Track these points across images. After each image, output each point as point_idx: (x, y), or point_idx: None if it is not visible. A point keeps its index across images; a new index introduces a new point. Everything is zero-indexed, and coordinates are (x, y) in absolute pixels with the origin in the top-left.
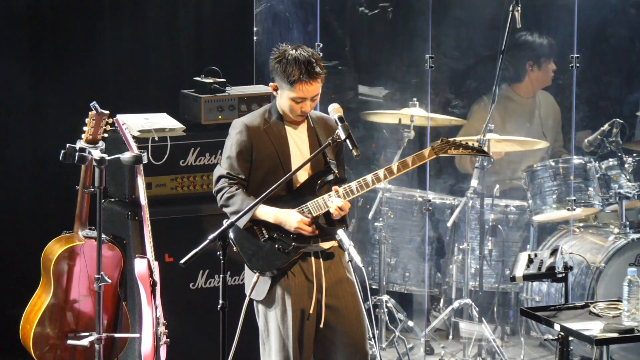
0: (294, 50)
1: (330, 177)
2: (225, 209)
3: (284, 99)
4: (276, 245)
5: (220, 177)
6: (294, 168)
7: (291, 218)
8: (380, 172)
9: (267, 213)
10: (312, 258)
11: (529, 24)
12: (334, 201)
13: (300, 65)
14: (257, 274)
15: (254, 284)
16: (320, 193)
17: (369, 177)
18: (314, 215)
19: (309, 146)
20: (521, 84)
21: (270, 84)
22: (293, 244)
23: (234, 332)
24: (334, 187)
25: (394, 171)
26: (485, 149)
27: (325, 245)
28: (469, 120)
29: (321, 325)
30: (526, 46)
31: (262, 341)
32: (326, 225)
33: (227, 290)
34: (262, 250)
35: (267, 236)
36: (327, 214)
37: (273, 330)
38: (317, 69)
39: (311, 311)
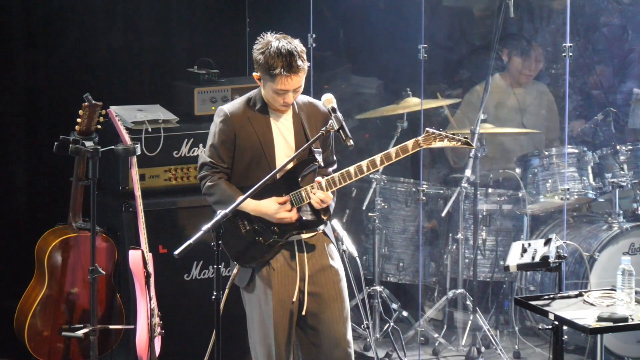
0: (277, 42)
1: (314, 166)
2: (207, 198)
3: (266, 90)
4: (257, 237)
5: (203, 165)
6: (277, 157)
7: (270, 209)
8: (364, 164)
9: (248, 205)
10: (295, 247)
11: (522, 14)
12: (315, 193)
13: (282, 58)
14: (238, 265)
15: (234, 275)
16: (304, 182)
17: (352, 169)
18: (296, 207)
19: (293, 134)
20: (506, 74)
21: (254, 73)
22: (274, 236)
23: (228, 323)
24: (316, 179)
25: (377, 163)
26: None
27: (307, 235)
28: (460, 110)
29: (303, 313)
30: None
31: (249, 328)
32: (310, 215)
33: (221, 281)
34: (244, 242)
35: (248, 227)
36: (311, 205)
37: (256, 317)
38: (299, 62)
39: (294, 299)
